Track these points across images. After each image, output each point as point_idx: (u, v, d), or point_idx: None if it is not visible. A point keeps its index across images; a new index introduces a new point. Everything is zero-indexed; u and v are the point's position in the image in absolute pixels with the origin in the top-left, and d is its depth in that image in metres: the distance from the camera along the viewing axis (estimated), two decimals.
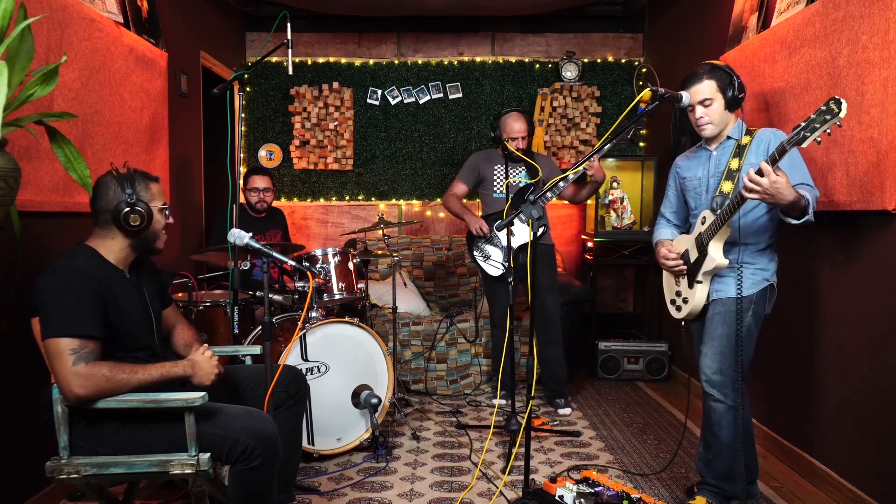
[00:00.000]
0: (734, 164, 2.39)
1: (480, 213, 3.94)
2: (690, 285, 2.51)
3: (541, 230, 3.75)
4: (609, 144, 3.49)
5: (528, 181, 3.77)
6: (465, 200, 4.05)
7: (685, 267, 2.55)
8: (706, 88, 2.41)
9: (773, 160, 2.10)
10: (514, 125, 3.74)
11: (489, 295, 3.94)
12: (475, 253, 3.81)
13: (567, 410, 3.84)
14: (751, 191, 2.12)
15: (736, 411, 2.39)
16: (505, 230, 3.68)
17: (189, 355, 2.06)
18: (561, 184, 3.55)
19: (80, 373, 1.78)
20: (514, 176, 3.83)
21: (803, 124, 2.01)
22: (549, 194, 3.55)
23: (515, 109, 3.83)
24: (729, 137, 2.47)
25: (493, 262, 3.76)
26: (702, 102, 2.43)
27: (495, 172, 3.87)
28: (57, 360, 1.78)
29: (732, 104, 2.41)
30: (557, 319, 3.84)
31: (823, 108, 1.97)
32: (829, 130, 1.98)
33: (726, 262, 2.39)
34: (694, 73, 2.46)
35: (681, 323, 2.62)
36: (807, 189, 2.23)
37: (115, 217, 1.93)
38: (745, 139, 2.41)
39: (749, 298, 2.40)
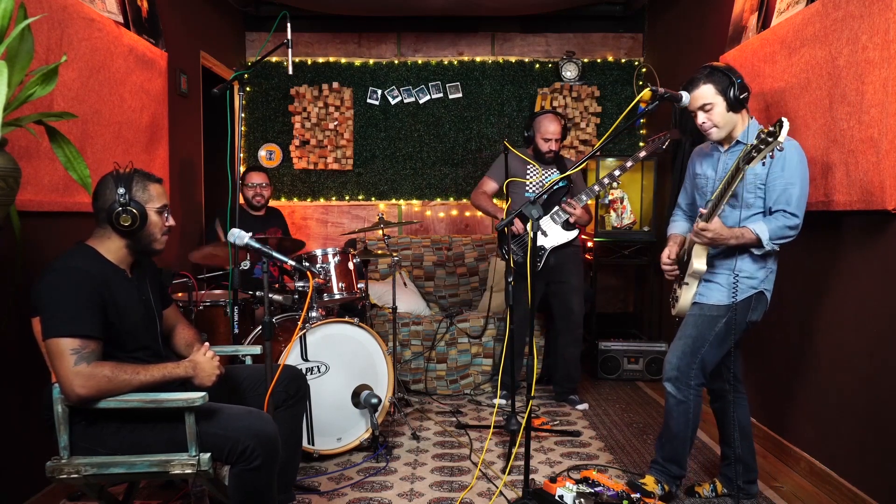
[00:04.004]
0: None
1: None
2: (680, 285, 2.56)
3: (574, 233, 3.77)
4: (630, 163, 3.56)
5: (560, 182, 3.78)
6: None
7: (676, 273, 2.62)
8: (704, 93, 2.41)
9: (709, 215, 2.31)
10: (549, 126, 3.75)
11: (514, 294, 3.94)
12: (503, 250, 3.83)
13: (585, 405, 3.91)
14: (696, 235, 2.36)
15: (685, 406, 2.46)
16: (546, 228, 3.72)
17: (190, 355, 2.06)
18: (586, 196, 3.63)
19: (82, 373, 1.78)
20: (547, 177, 3.85)
21: (754, 142, 2.13)
22: (583, 197, 3.64)
23: (551, 111, 3.84)
24: (738, 142, 2.45)
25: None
26: (702, 108, 2.43)
27: (528, 172, 3.87)
28: (58, 360, 1.78)
29: (735, 105, 2.39)
30: (582, 321, 3.91)
31: (772, 128, 2.08)
32: (772, 154, 2.11)
33: (704, 268, 2.44)
34: (693, 78, 2.45)
35: (676, 319, 2.65)
36: (780, 217, 2.31)
37: (108, 216, 1.93)
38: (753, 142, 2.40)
39: (728, 306, 2.42)
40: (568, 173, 3.53)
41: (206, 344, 2.12)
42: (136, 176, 1.98)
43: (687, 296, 2.53)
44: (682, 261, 2.56)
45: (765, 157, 2.13)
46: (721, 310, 2.43)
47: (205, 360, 2.00)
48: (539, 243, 3.72)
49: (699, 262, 2.43)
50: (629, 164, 3.58)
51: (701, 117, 2.45)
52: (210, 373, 1.98)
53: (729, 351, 2.49)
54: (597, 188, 3.67)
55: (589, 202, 3.74)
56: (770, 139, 2.08)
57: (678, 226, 2.75)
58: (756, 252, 2.37)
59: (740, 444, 2.59)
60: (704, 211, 2.36)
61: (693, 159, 2.69)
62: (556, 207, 3.70)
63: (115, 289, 1.93)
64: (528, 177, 3.86)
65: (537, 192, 3.82)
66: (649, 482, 2.55)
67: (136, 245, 2.00)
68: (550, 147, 3.76)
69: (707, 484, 2.69)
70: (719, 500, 2.65)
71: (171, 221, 2.07)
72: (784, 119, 2.07)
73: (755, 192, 2.39)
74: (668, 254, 2.63)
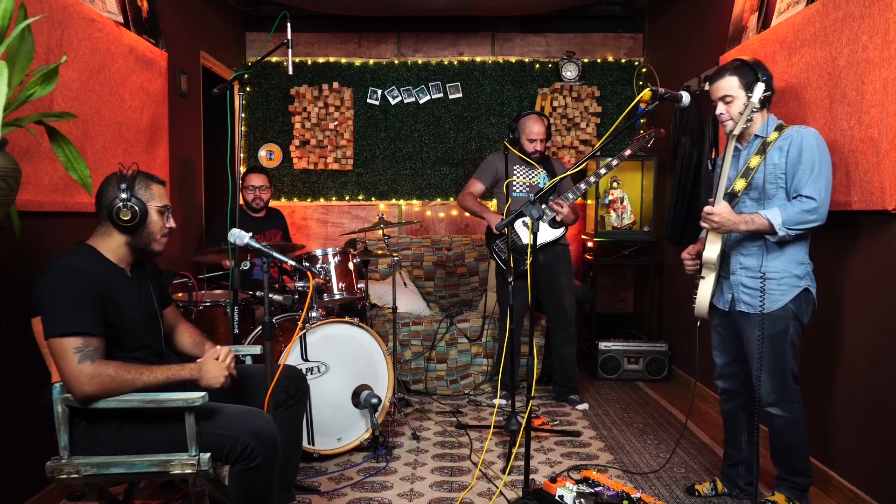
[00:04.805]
0: (754, 161, 2.35)
1: (503, 211, 3.94)
2: (698, 280, 2.52)
3: (561, 231, 3.78)
4: (617, 161, 3.55)
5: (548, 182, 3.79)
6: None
7: (695, 267, 2.56)
8: (727, 85, 2.38)
9: (732, 197, 2.32)
10: (534, 127, 3.77)
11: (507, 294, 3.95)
12: (495, 249, 3.82)
13: (585, 405, 3.91)
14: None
15: (794, 421, 2.38)
16: (526, 229, 3.73)
17: (204, 354, 2.10)
18: (572, 195, 3.59)
19: (86, 371, 1.79)
20: (534, 177, 3.86)
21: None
22: (569, 195, 3.64)
23: (535, 112, 3.84)
24: (756, 136, 2.42)
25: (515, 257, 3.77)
26: (722, 99, 2.40)
27: (516, 172, 3.88)
28: (61, 358, 1.79)
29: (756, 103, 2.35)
30: (574, 319, 3.92)
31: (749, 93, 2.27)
32: (751, 116, 2.28)
33: (713, 257, 2.40)
34: (721, 67, 2.43)
35: (698, 323, 2.59)
36: (796, 202, 2.27)
37: (109, 212, 1.95)
38: (773, 135, 2.36)
39: (785, 315, 2.34)
40: (568, 173, 3.53)
41: (228, 348, 2.13)
42: (139, 175, 2.01)
43: (704, 292, 2.47)
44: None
45: (746, 121, 2.28)
46: (784, 314, 2.35)
47: (213, 363, 2.01)
48: (525, 241, 3.74)
49: (710, 251, 2.40)
50: (615, 162, 3.60)
51: (720, 108, 2.42)
52: (217, 375, 1.99)
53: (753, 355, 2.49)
54: (583, 186, 3.68)
55: (576, 201, 3.74)
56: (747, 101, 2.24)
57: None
58: (771, 239, 2.32)
59: (748, 447, 2.59)
60: (712, 200, 2.35)
61: (717, 162, 2.65)
62: (543, 206, 3.71)
63: (115, 288, 1.94)
64: (515, 176, 3.88)
65: (526, 191, 3.83)
66: (781, 501, 2.45)
67: (135, 243, 2.01)
68: (535, 147, 3.79)
69: (707, 482, 2.68)
70: (719, 499, 2.65)
71: (172, 223, 2.09)
72: (759, 83, 2.26)
73: (776, 182, 2.35)
74: (689, 249, 2.61)
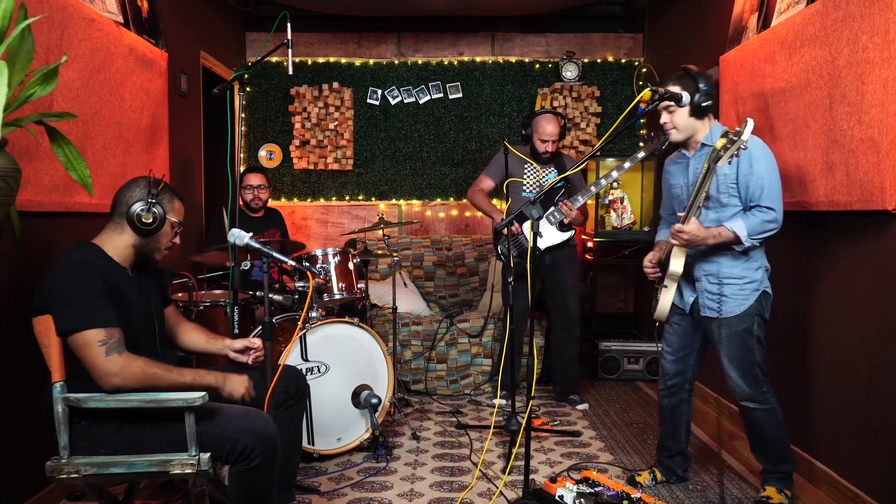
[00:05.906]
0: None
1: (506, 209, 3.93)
2: (660, 288, 2.61)
3: (569, 233, 3.77)
4: (630, 162, 3.54)
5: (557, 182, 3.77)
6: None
7: (657, 275, 2.66)
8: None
9: (686, 218, 2.36)
10: (547, 127, 3.74)
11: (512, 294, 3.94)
12: (501, 250, 3.81)
13: (585, 405, 3.90)
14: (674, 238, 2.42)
15: (772, 410, 2.50)
16: (529, 228, 3.71)
17: (217, 348, 2.24)
18: (582, 197, 3.63)
19: (117, 363, 1.82)
20: (545, 176, 3.85)
21: (722, 142, 2.22)
22: (579, 198, 3.62)
23: (550, 111, 3.82)
24: (704, 144, 2.51)
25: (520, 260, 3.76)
26: (666, 108, 2.50)
27: (525, 171, 3.87)
28: (87, 353, 1.81)
29: (697, 111, 2.46)
30: (577, 320, 3.92)
31: (738, 128, 2.20)
32: (737, 153, 2.21)
33: (680, 270, 2.48)
34: (667, 77, 2.53)
35: (656, 323, 2.73)
36: (757, 213, 2.36)
37: (130, 211, 1.98)
38: (720, 142, 2.34)
39: (749, 313, 2.46)
40: (566, 174, 3.53)
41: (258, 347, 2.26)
42: (167, 186, 2.08)
43: (665, 299, 2.57)
44: (664, 264, 2.60)
45: (731, 157, 2.23)
46: (748, 312, 2.47)
47: (237, 377, 2.05)
48: (535, 243, 3.72)
49: (676, 264, 2.48)
50: (627, 164, 3.58)
51: (664, 117, 2.53)
52: (238, 387, 2.03)
53: (700, 355, 2.67)
54: (593, 189, 3.67)
55: (585, 202, 3.73)
56: (735, 138, 2.18)
57: (662, 233, 2.81)
58: (737, 248, 2.41)
59: (684, 439, 2.77)
60: (682, 215, 2.41)
61: (665, 170, 2.74)
62: (552, 208, 3.70)
63: (118, 284, 1.95)
64: (525, 176, 3.86)
65: (535, 191, 3.82)
66: (772, 494, 2.50)
67: (142, 247, 2.04)
68: (547, 148, 3.77)
69: (647, 473, 2.79)
70: (659, 486, 2.76)
71: (178, 240, 2.14)
72: (749, 119, 2.20)
73: (728, 191, 2.44)
74: (651, 257, 2.69)
